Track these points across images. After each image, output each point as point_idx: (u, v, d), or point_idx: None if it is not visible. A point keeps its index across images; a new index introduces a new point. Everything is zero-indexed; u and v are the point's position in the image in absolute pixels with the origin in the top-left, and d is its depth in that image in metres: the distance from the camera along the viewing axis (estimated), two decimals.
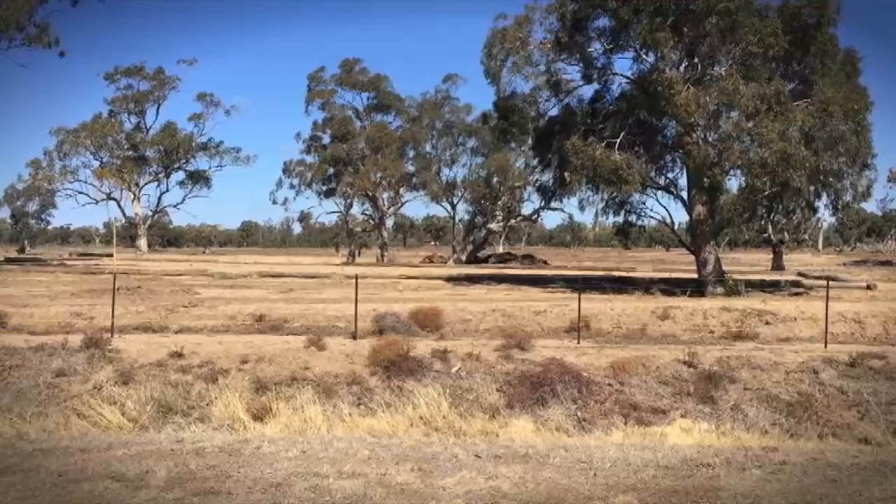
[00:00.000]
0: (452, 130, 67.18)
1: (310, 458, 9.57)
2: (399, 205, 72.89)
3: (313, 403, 14.98)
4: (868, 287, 32.08)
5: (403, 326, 19.91)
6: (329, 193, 68.92)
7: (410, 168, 68.02)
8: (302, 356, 17.35)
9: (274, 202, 71.46)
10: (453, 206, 72.68)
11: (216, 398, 15.23)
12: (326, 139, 67.20)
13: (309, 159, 68.47)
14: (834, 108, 26.24)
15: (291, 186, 69.22)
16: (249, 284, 33.97)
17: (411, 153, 68.03)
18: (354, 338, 19.05)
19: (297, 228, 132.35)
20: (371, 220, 71.71)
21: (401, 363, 16.71)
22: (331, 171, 66.51)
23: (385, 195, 69.46)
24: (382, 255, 67.40)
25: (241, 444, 10.46)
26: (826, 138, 27.03)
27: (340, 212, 73.59)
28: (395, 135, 66.22)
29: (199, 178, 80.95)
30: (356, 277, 21.67)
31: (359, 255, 73.03)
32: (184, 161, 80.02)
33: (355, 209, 72.78)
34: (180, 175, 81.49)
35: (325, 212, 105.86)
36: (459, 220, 74.35)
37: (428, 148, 68.90)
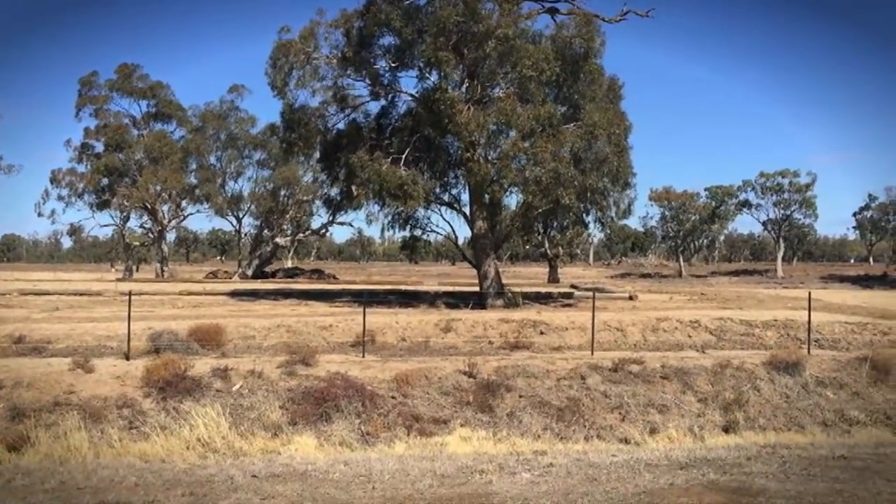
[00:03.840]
0: (238, 142, 65.28)
1: (69, 490, 8.89)
2: (181, 218, 69.61)
3: (78, 430, 13.92)
4: (630, 298, 34.91)
5: (182, 345, 19.08)
6: (103, 205, 64.58)
7: (193, 180, 65.19)
8: (67, 379, 16.10)
9: (40, 214, 66.02)
10: (239, 220, 70.63)
11: None
12: (100, 147, 63.00)
13: (80, 169, 63.83)
14: (599, 132, 28.32)
15: (60, 198, 64.04)
16: (8, 303, 31.00)
17: (194, 164, 65.24)
18: (127, 358, 17.96)
19: (67, 242, 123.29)
20: (150, 234, 67.94)
21: (178, 383, 15.97)
22: (105, 181, 62.36)
23: (165, 208, 66.16)
24: (162, 271, 64.11)
25: None
26: (592, 159, 29.11)
27: (116, 225, 69.43)
28: (177, 145, 63.32)
29: None
30: (130, 294, 20.48)
31: (137, 270, 69.07)
32: None
33: (133, 222, 68.95)
34: None
35: (99, 225, 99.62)
36: (246, 235, 72.33)
37: (212, 160, 66.43)
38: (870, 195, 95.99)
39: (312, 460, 10.95)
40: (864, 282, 71.08)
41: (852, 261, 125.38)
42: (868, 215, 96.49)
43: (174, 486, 8.92)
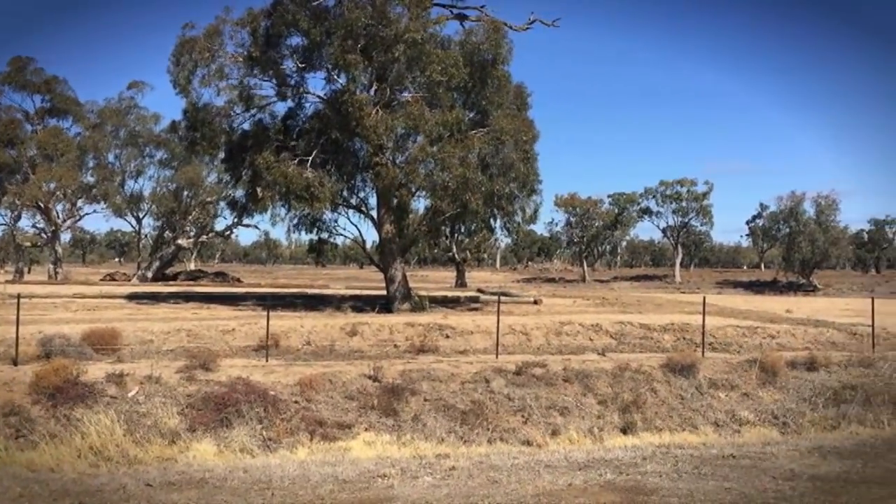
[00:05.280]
0: (138, 140, 63.19)
1: None
2: (77, 218, 66.77)
3: None
4: (535, 302, 35.45)
5: (75, 350, 18.38)
6: None
7: (90, 178, 62.71)
8: None
9: None
10: (139, 221, 68.35)
11: None
12: None
13: None
14: (506, 138, 28.66)
15: None
16: None
17: (91, 163, 62.78)
18: (15, 364, 17.18)
19: None
20: (43, 234, 64.99)
21: (69, 389, 15.33)
22: None
23: (60, 207, 63.43)
24: (56, 273, 61.43)
25: None
26: (500, 165, 29.41)
27: (6, 224, 66.27)
28: (73, 142, 60.81)
29: None
30: (19, 297, 19.58)
31: (28, 272, 66.05)
32: None
33: (24, 222, 65.79)
34: None
35: None
36: (146, 236, 70.11)
37: (111, 158, 64.14)
38: (761, 204, 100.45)
39: (211, 467, 10.69)
40: (756, 287, 74.51)
41: (745, 267, 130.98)
42: (760, 224, 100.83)
43: (62, 496, 8.56)
